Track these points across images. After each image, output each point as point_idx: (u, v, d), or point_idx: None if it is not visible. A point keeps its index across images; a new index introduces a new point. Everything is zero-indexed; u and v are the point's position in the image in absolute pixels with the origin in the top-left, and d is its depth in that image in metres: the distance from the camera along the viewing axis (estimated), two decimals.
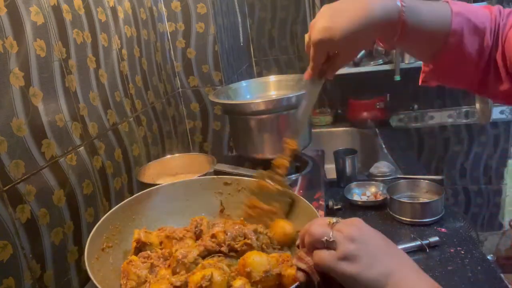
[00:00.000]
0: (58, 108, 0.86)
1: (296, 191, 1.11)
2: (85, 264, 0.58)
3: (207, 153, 1.57)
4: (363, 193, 1.28)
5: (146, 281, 0.57)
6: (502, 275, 0.95)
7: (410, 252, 0.98)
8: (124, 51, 1.16)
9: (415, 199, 1.19)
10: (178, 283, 0.53)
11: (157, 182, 1.02)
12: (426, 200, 1.14)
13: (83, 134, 0.93)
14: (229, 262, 0.61)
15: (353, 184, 1.29)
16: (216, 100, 1.12)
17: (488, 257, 1.26)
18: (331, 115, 2.09)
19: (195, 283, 0.53)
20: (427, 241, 1.00)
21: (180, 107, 1.54)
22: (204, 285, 0.52)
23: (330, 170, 1.47)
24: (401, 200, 1.12)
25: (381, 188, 1.26)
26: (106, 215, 0.68)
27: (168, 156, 1.07)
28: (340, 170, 1.36)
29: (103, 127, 1.02)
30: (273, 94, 1.34)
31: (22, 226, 0.73)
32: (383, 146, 1.75)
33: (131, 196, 0.75)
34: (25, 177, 0.74)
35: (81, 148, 0.92)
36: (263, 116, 1.09)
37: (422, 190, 1.20)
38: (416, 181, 1.21)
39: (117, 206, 0.70)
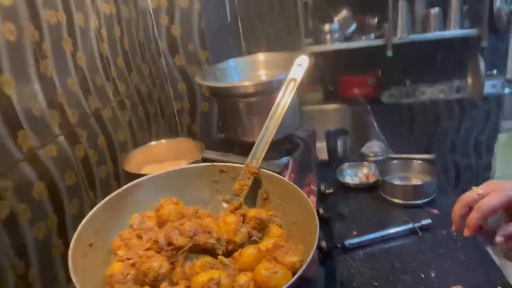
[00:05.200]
0: (33, 96, 0.80)
1: (287, 175, 1.08)
2: (68, 264, 0.55)
3: (196, 135, 1.53)
4: (355, 174, 1.26)
5: None
6: (488, 248, 0.95)
7: (402, 235, 0.98)
8: (103, 31, 1.10)
9: (408, 180, 1.17)
10: None
11: (144, 170, 0.98)
12: (418, 182, 1.12)
13: (62, 123, 0.88)
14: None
15: (345, 165, 1.27)
16: (203, 83, 1.07)
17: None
18: (321, 92, 2.05)
19: (201, 284, 0.50)
20: (420, 224, 0.99)
21: (166, 88, 1.48)
22: None
23: (321, 148, 1.45)
24: (393, 182, 1.11)
25: (373, 169, 1.24)
26: (95, 208, 0.65)
27: (153, 142, 1.03)
28: (331, 151, 1.34)
29: (84, 113, 0.97)
30: (263, 73, 1.29)
31: (1, 224, 0.69)
32: (375, 124, 1.73)
33: (120, 187, 0.71)
34: (1, 172, 0.70)
35: (61, 138, 0.87)
36: (252, 99, 1.05)
37: (415, 171, 1.18)
38: (408, 162, 1.19)
39: (106, 199, 0.67)
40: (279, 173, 0.83)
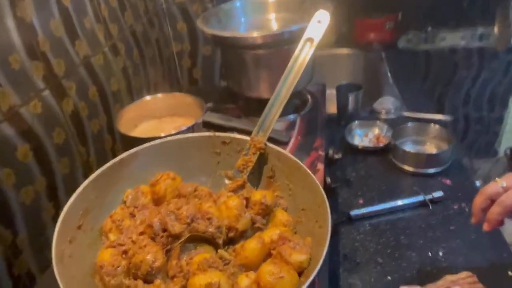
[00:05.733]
0: (10, 45, 0.70)
1: (293, 137, 1.01)
2: (52, 255, 0.50)
3: (197, 80, 1.42)
4: (365, 134, 1.18)
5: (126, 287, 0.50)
6: None
7: (412, 208, 0.93)
8: None
9: (422, 145, 1.10)
10: None
11: (139, 129, 0.91)
12: (433, 150, 1.05)
13: (47, 75, 0.78)
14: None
15: (355, 124, 1.19)
16: (206, 30, 0.95)
17: (477, 182, 1.23)
18: (334, 34, 1.89)
19: None
20: (430, 196, 0.94)
21: (165, 27, 1.34)
22: None
23: (330, 98, 1.35)
24: (405, 148, 1.03)
25: (384, 131, 1.16)
26: (81, 186, 0.58)
27: (148, 97, 0.93)
28: (341, 107, 1.25)
29: (71, 62, 0.86)
30: (272, 17, 1.15)
31: None
32: (389, 74, 1.61)
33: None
34: None
35: (46, 92, 0.78)
36: (260, 51, 0.94)
37: (430, 135, 1.11)
38: (423, 125, 1.11)
39: (94, 174, 0.60)
40: (287, 143, 0.76)
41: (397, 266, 0.80)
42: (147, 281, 0.51)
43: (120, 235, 0.57)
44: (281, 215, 0.60)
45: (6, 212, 0.69)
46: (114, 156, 0.99)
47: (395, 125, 1.13)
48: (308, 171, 0.60)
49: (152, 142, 0.67)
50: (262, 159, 0.67)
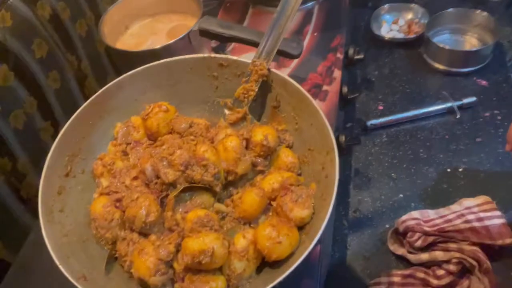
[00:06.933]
0: None
1: (309, 31, 0.87)
2: (39, 213, 0.47)
3: None
4: (395, 20, 1.01)
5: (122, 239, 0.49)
6: None
7: (437, 115, 0.84)
8: None
9: (462, 34, 0.94)
10: (168, 257, 0.45)
11: (130, 31, 0.79)
12: (473, 47, 0.90)
13: None
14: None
15: (384, 8, 1.01)
16: None
17: None
18: None
19: (192, 254, 0.44)
20: (460, 102, 0.84)
21: None
22: (203, 261, 0.43)
23: None
24: (440, 44, 0.89)
25: (419, 16, 0.99)
26: (63, 130, 0.53)
27: None
28: None
29: None
30: None
31: None
32: None
33: (94, 95, 0.56)
34: None
35: None
36: None
37: (473, 23, 0.94)
38: (467, 12, 0.93)
39: (75, 114, 0.53)
40: (298, 56, 0.64)
41: (411, 182, 0.77)
42: (142, 233, 0.50)
43: (113, 180, 0.54)
44: (285, 156, 0.54)
45: (1, 142, 0.66)
46: (110, 57, 0.91)
47: (434, 10, 0.95)
48: (318, 108, 0.52)
49: (138, 69, 0.58)
50: (266, 86, 0.58)
